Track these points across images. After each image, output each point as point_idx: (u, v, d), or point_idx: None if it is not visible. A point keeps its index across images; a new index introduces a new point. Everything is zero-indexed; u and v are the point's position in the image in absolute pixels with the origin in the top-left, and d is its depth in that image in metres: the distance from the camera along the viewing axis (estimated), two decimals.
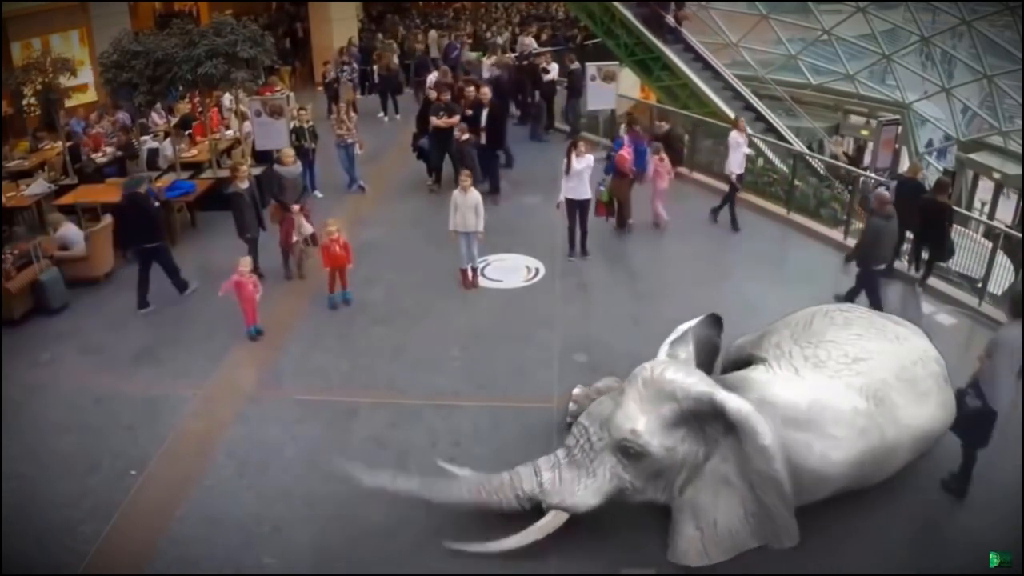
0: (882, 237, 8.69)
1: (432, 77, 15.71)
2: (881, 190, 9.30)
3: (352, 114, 13.47)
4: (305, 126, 12.49)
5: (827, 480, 5.71)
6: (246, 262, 8.57)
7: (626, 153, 11.09)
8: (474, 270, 9.87)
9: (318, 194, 12.73)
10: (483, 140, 12.38)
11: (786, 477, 5.32)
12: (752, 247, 11.17)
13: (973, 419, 6.27)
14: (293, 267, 10.13)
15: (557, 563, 5.71)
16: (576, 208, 10.32)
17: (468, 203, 9.40)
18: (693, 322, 6.42)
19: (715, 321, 6.83)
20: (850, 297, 8.83)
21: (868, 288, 8.78)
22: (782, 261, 11.00)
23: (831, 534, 5.87)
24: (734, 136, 11.34)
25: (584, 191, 10.21)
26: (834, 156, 17.43)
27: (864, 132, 20.82)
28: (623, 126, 12.58)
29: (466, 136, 11.62)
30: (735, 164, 11.34)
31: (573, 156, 10.00)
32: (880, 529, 5.98)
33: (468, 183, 9.47)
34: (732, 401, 5.41)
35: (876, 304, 8.53)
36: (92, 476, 6.73)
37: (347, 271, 9.28)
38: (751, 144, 12.65)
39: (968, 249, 10.02)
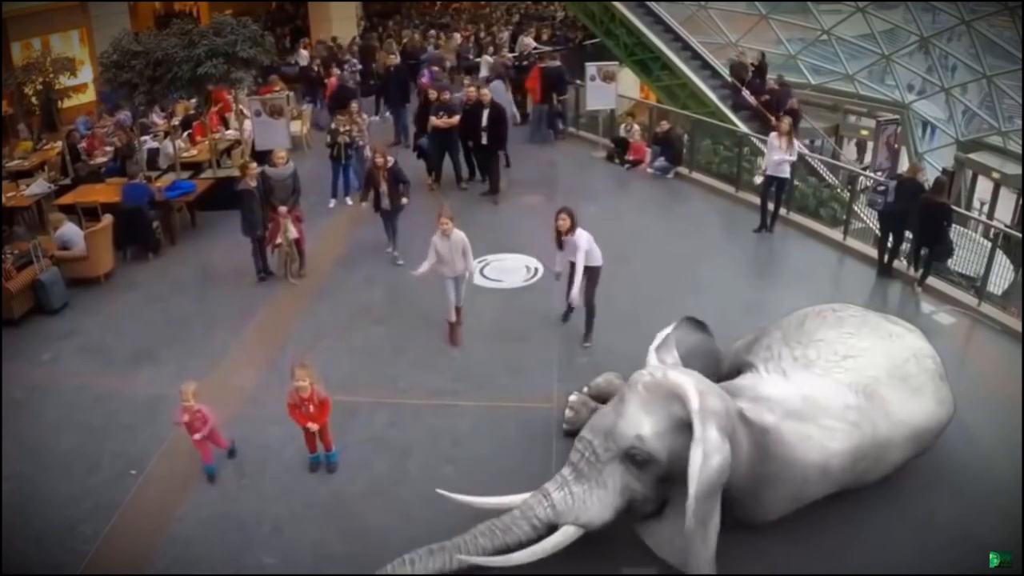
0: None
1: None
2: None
3: (364, 116, 13.43)
4: (343, 129, 12.20)
5: (828, 472, 5.72)
6: (188, 392, 6.43)
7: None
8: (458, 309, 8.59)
9: (349, 200, 12.35)
10: (484, 140, 12.39)
11: (712, 486, 5.12)
12: (751, 247, 11.19)
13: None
14: (279, 269, 10.07)
15: (557, 563, 5.71)
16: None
17: (455, 247, 8.11)
18: (670, 328, 6.45)
19: (699, 325, 6.78)
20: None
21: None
22: (782, 261, 10.99)
23: (831, 534, 5.89)
24: (771, 137, 11.11)
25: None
26: (738, 66, 16.83)
27: (863, 132, 20.82)
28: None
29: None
30: (766, 164, 11.13)
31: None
32: (880, 529, 5.98)
33: (450, 225, 8.11)
34: (692, 402, 5.26)
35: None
36: (92, 476, 6.74)
37: (327, 429, 6.81)
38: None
39: (967, 249, 10.04)
